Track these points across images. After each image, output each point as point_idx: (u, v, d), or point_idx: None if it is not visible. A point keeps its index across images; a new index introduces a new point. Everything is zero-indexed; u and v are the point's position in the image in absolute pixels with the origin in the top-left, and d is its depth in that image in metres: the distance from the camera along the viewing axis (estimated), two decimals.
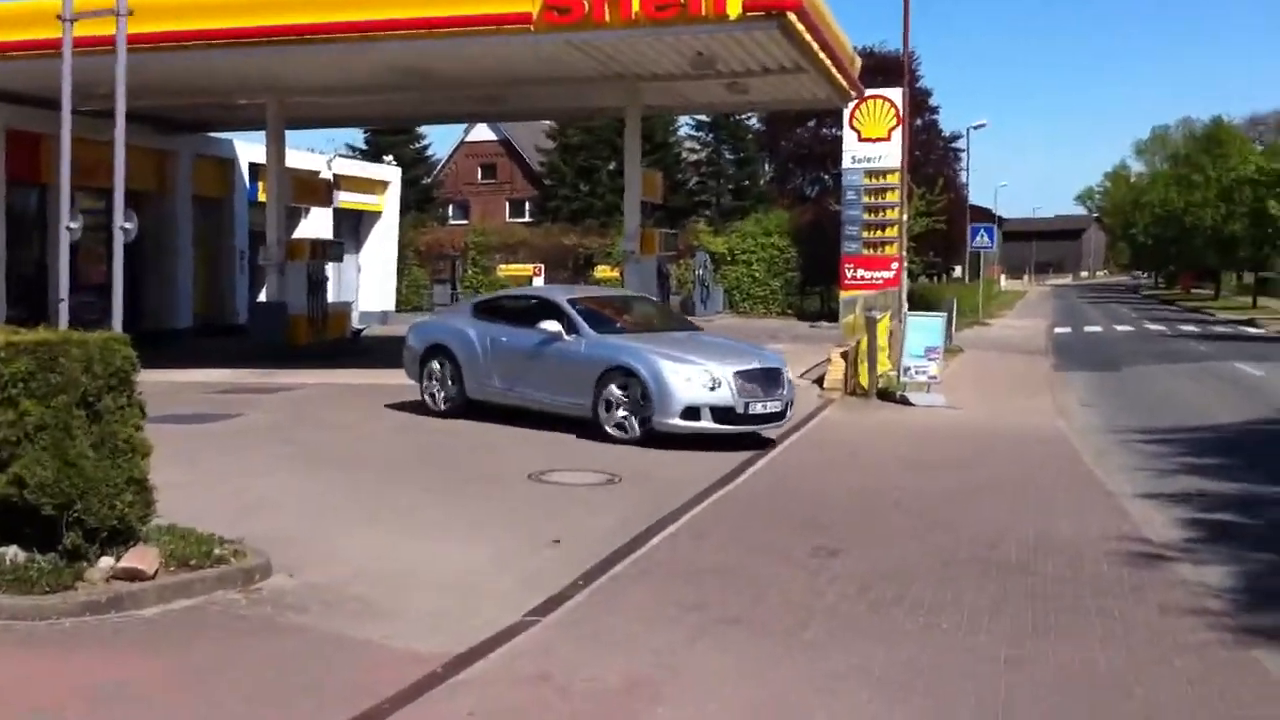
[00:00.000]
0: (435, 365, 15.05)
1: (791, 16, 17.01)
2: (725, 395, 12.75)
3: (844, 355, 18.71)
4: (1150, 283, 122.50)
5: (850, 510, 9.95)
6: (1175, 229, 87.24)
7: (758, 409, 13.00)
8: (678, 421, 12.73)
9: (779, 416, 13.32)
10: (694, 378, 12.78)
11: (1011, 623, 6.69)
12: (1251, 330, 44.46)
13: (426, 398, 15.08)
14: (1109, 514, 9.76)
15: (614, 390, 13.15)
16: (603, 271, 43.94)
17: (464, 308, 16.45)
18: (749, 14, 16.74)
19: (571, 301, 14.52)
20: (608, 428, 13.12)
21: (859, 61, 24.02)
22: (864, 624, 6.72)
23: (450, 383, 14.89)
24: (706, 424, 12.77)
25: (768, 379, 13.33)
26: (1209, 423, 16.37)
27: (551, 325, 13.88)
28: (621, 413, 13.08)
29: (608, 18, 17.09)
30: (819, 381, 18.89)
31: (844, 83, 22.82)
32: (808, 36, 18.16)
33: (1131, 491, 10.96)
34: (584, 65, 20.29)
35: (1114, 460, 13.02)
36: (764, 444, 13.00)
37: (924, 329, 18.49)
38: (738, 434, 12.91)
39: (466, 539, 8.62)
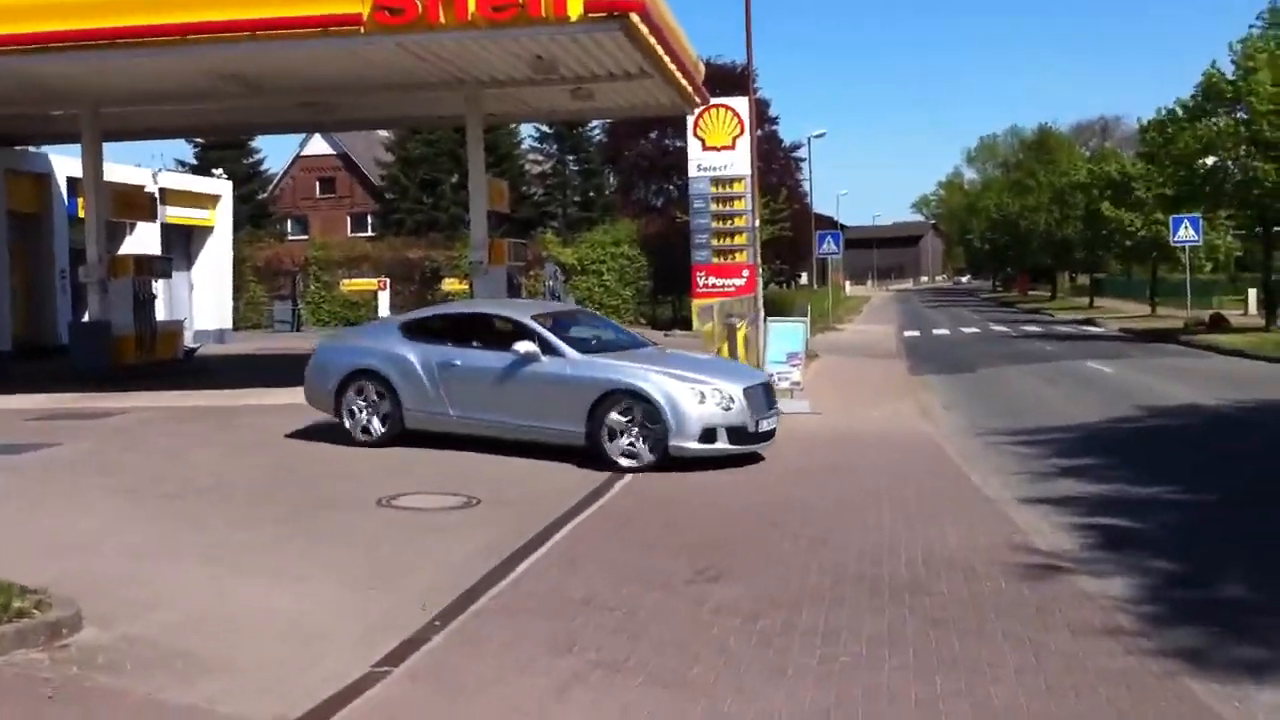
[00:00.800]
0: (361, 393, 13.37)
1: (634, 18, 16.39)
2: (739, 414, 12.12)
3: None
4: (988, 285, 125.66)
5: (727, 527, 9.30)
6: (1011, 233, 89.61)
7: (763, 426, 12.45)
8: (695, 445, 11.93)
9: (774, 433, 12.79)
10: (708, 397, 12.05)
11: (915, 655, 6.06)
12: (1092, 329, 45.46)
13: (352, 428, 13.37)
14: (994, 522, 9.27)
15: (615, 415, 12.09)
16: (450, 284, 42.95)
17: (384, 327, 14.68)
18: (590, 15, 16.07)
19: (538, 319, 13.32)
20: (615, 456, 12.03)
21: (703, 68, 23.58)
22: (756, 661, 6.03)
23: (383, 412, 13.27)
24: (722, 445, 12.06)
25: (766, 395, 12.82)
26: (1072, 422, 16.15)
27: (524, 346, 12.59)
28: (627, 440, 12.06)
29: (442, 18, 16.27)
30: None
31: (689, 89, 22.33)
32: (651, 40, 17.58)
33: (1011, 496, 10.53)
34: (420, 70, 19.39)
35: (986, 464, 12.63)
36: (752, 460, 12.38)
37: (785, 335, 18.05)
38: (746, 453, 12.29)
39: (310, 577, 7.71)
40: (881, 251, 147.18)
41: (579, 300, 44.91)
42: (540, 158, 66.77)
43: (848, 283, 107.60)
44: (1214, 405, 17.82)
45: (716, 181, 39.87)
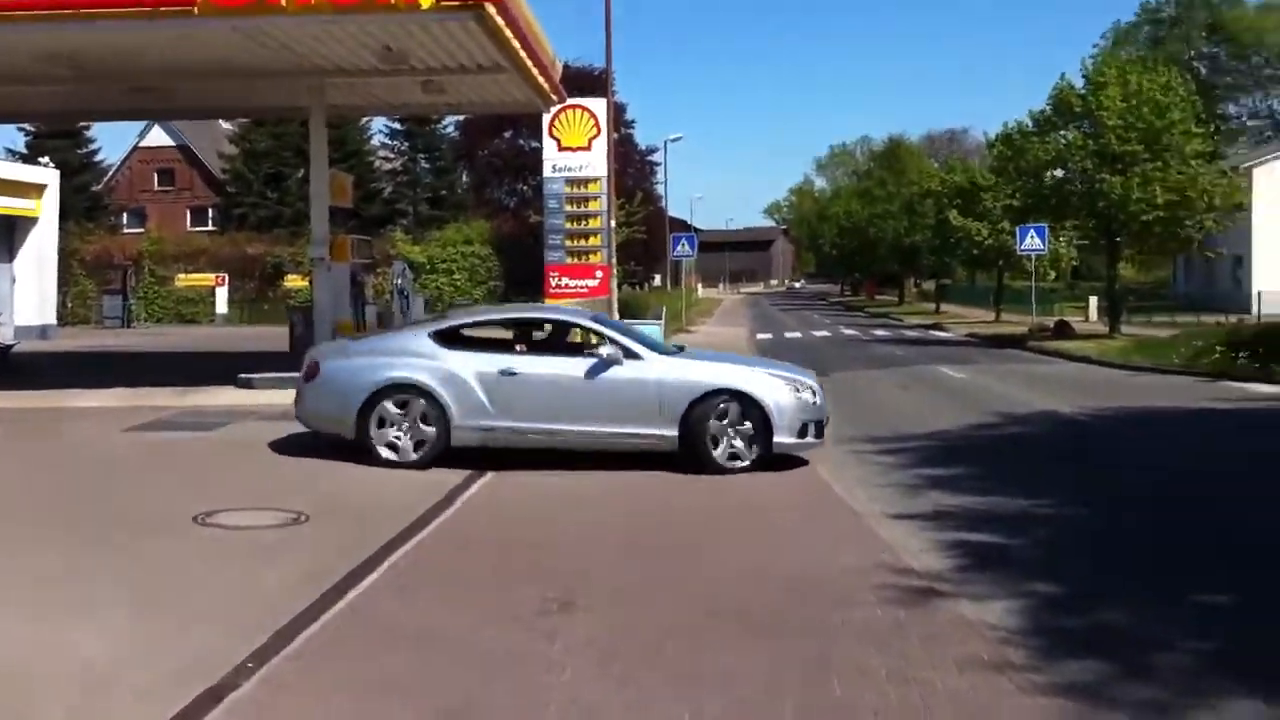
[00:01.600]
0: (398, 408, 11.96)
1: (489, 9, 15.58)
2: (822, 407, 12.55)
3: None
4: (834, 289, 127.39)
5: (579, 547, 8.61)
6: (860, 239, 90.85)
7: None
8: (793, 440, 12.11)
9: None
10: (802, 394, 12.29)
11: (798, 706, 5.39)
12: (940, 334, 46.03)
13: (383, 449, 11.91)
14: (864, 541, 8.75)
15: (715, 418, 11.95)
16: (293, 280, 41.60)
17: (408, 335, 12.94)
18: (443, 4, 15.20)
19: (600, 321, 13.28)
20: (719, 459, 11.89)
21: (560, 65, 22.85)
22: (617, 711, 5.36)
23: (428, 428, 11.95)
24: (811, 439, 12.33)
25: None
26: (932, 430, 15.84)
27: (606, 349, 12.20)
28: (728, 441, 11.94)
29: (283, 1, 15.29)
30: None
31: (546, 86, 21.60)
32: (507, 32, 16.79)
33: (879, 511, 10.03)
34: (260, 57, 18.29)
35: (850, 474, 12.17)
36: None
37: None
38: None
39: (109, 611, 6.73)
40: (734, 255, 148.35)
41: (427, 300, 43.82)
42: (391, 154, 65.32)
43: (700, 285, 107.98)
44: (1070, 413, 17.75)
45: (572, 182, 39.17)
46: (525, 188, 54.40)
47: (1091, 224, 39.43)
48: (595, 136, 34.97)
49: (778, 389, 12.17)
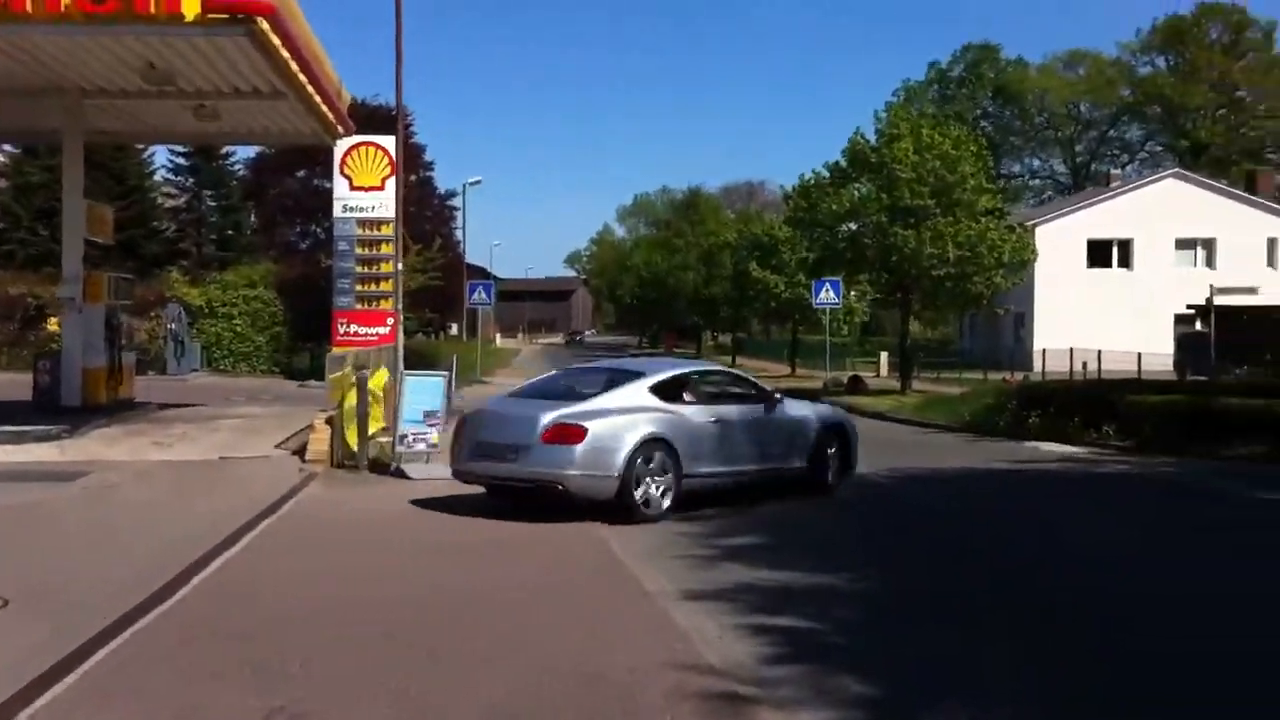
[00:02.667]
0: (653, 460, 12.45)
1: (262, 24, 14.31)
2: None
3: (329, 421, 16.05)
4: (629, 341, 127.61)
5: (324, 639, 7.34)
6: (659, 290, 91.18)
7: None
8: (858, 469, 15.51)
9: None
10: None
11: None
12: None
13: (644, 504, 12.37)
14: (657, 628, 7.69)
15: (829, 449, 14.70)
16: (55, 324, 38.62)
17: (629, 390, 13.17)
18: (210, 16, 13.91)
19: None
20: (830, 479, 14.72)
21: (349, 96, 21.55)
22: None
23: (666, 478, 12.59)
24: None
25: None
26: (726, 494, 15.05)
27: (768, 397, 14.50)
28: (834, 463, 14.78)
29: (29, 7, 13.73)
30: (300, 453, 16.13)
31: (331, 117, 20.28)
32: (284, 52, 15.49)
33: (672, 588, 9.03)
34: (8, 70, 16.60)
35: (640, 543, 11.16)
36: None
37: (422, 390, 16.13)
38: None
39: None
40: (534, 304, 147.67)
41: (204, 345, 41.43)
42: (176, 190, 62.23)
43: (498, 335, 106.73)
44: (868, 473, 17.14)
45: (364, 223, 37.64)
46: (318, 229, 52.41)
47: (884, 278, 39.84)
48: (389, 175, 33.48)
49: (850, 424, 15.55)
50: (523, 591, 8.81)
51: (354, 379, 16.10)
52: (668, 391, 13.36)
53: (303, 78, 16.98)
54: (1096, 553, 11.31)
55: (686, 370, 14.94)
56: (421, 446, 15.96)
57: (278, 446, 17.06)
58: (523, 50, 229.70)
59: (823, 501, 14.49)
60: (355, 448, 15.85)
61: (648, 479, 12.39)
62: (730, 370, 16.54)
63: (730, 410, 13.75)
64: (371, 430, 16.67)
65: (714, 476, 13.22)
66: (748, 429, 13.73)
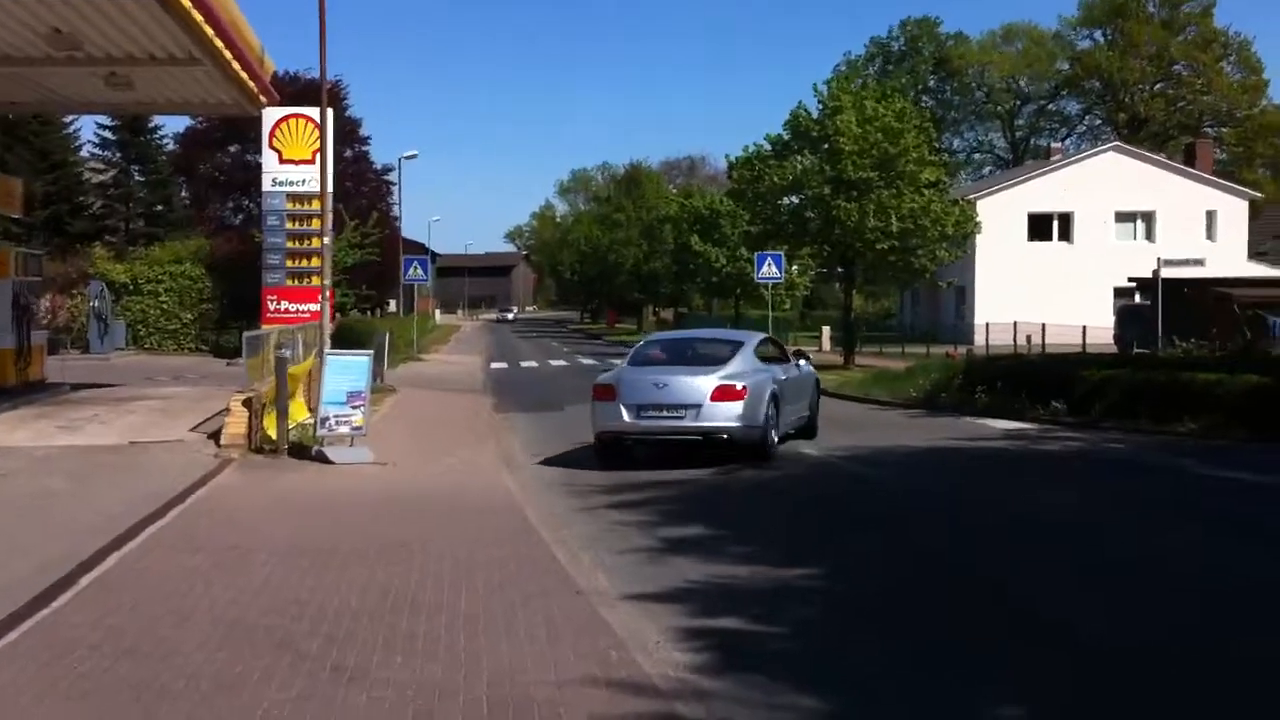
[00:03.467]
0: (773, 410, 15.70)
1: None
2: None
3: (247, 404, 15.16)
4: (570, 317, 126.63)
5: (213, 652, 6.57)
6: (600, 265, 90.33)
7: None
8: None
9: None
10: None
11: None
12: None
13: (770, 445, 15.66)
14: (589, 633, 6.94)
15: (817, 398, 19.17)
16: None
17: (746, 354, 16.38)
18: None
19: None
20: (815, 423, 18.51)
21: (272, 64, 20.50)
22: None
23: (778, 421, 16.04)
24: None
25: None
26: (668, 475, 14.30)
27: (795, 356, 18.69)
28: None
29: None
30: (216, 436, 15.24)
31: (252, 85, 19.30)
32: (196, 14, 14.54)
33: (609, 588, 8.31)
34: None
35: (575, 532, 10.48)
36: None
37: (346, 370, 15.20)
38: None
39: None
40: (474, 280, 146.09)
41: (130, 324, 40.16)
42: (102, 165, 60.42)
43: (438, 311, 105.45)
44: (818, 455, 16.49)
45: (293, 198, 36.45)
46: (251, 205, 51.03)
47: (827, 251, 39.29)
48: (319, 148, 32.33)
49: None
50: (439, 593, 8.03)
51: (274, 361, 15.23)
52: (762, 356, 16.73)
53: (218, 42, 16.02)
54: (1056, 539, 10.67)
55: (760, 338, 17.92)
56: (345, 429, 15.10)
57: (193, 430, 16.19)
58: (463, 26, 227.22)
59: (774, 481, 13.87)
60: (274, 435, 14.99)
61: (771, 426, 15.58)
62: (772, 337, 20.26)
63: (784, 369, 17.06)
64: (300, 418, 15.83)
65: (786, 421, 16.60)
66: (794, 383, 17.19)
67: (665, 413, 15.26)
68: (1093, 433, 18.91)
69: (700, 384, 15.20)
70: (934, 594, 8.54)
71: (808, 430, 17.89)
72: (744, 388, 15.19)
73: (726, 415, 15.07)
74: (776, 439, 15.78)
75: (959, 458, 16.64)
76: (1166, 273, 31.38)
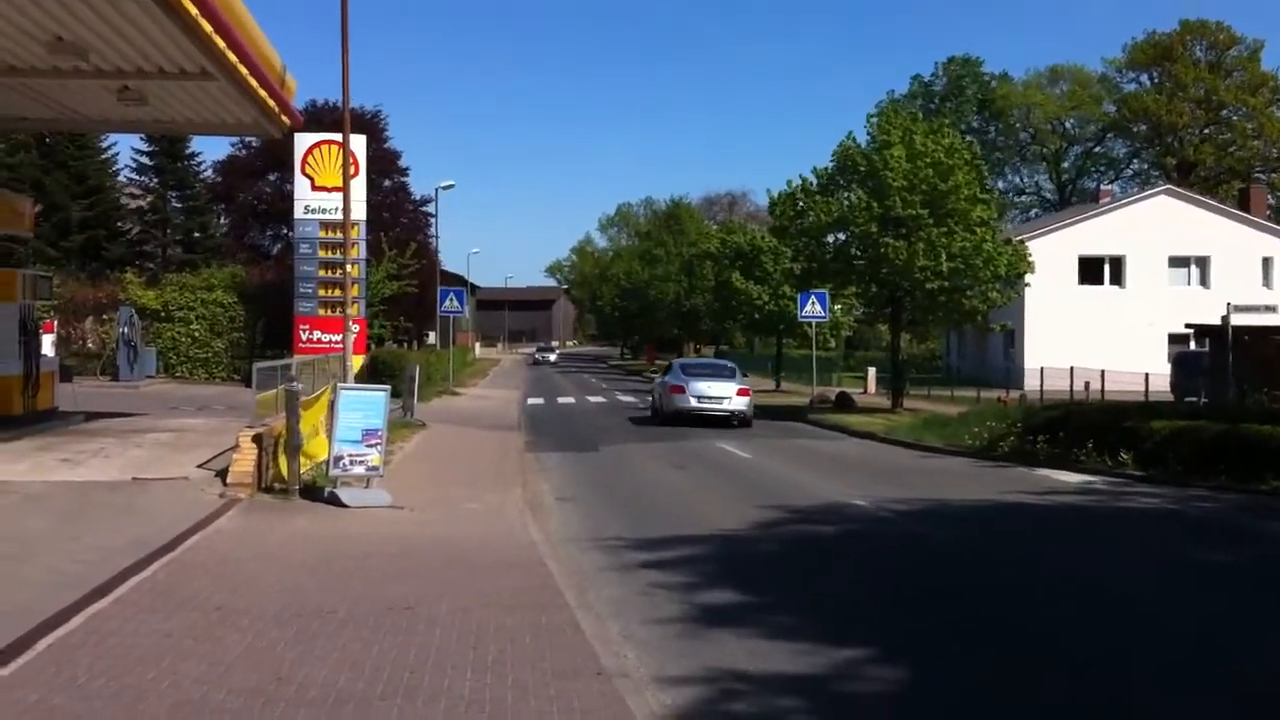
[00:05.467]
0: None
1: None
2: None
3: (257, 440, 14.09)
4: (610, 353, 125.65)
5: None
6: (640, 301, 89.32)
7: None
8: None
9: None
10: None
11: None
12: None
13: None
14: None
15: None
16: None
17: (737, 371, 32.91)
18: None
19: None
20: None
21: (294, 83, 19.46)
22: None
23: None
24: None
25: None
26: (710, 528, 13.04)
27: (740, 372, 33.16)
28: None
29: None
30: (223, 474, 14.17)
31: (273, 105, 18.27)
32: (205, 24, 13.52)
33: (638, 668, 7.15)
34: None
35: (604, 596, 9.31)
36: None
37: (362, 406, 14.09)
38: None
39: None
40: (514, 314, 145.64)
41: (160, 351, 39.39)
42: (139, 190, 60.11)
43: (478, 344, 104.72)
44: (870, 507, 15.13)
45: (327, 226, 35.71)
46: (290, 233, 50.57)
47: (873, 290, 38.03)
48: (354, 175, 31.48)
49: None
50: (440, 672, 6.84)
51: (285, 395, 14.17)
52: (740, 373, 32.13)
53: (231, 56, 15.03)
54: (1170, 632, 9.01)
55: (735, 365, 34.00)
56: (360, 469, 14.00)
57: (201, 466, 15.12)
58: (507, 61, 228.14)
59: (824, 540, 12.66)
60: (286, 472, 13.93)
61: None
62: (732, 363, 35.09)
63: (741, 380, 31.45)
64: (321, 456, 14.75)
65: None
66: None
67: (708, 402, 29.75)
68: (1169, 488, 17.45)
69: (729, 387, 30.31)
70: (1026, 696, 7.25)
71: (746, 422, 30.11)
72: (748, 389, 30.92)
73: (742, 405, 30.11)
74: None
75: (1029, 516, 15.12)
76: (1240, 319, 29.90)
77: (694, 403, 29.23)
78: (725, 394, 29.59)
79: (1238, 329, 30.50)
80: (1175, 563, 12.07)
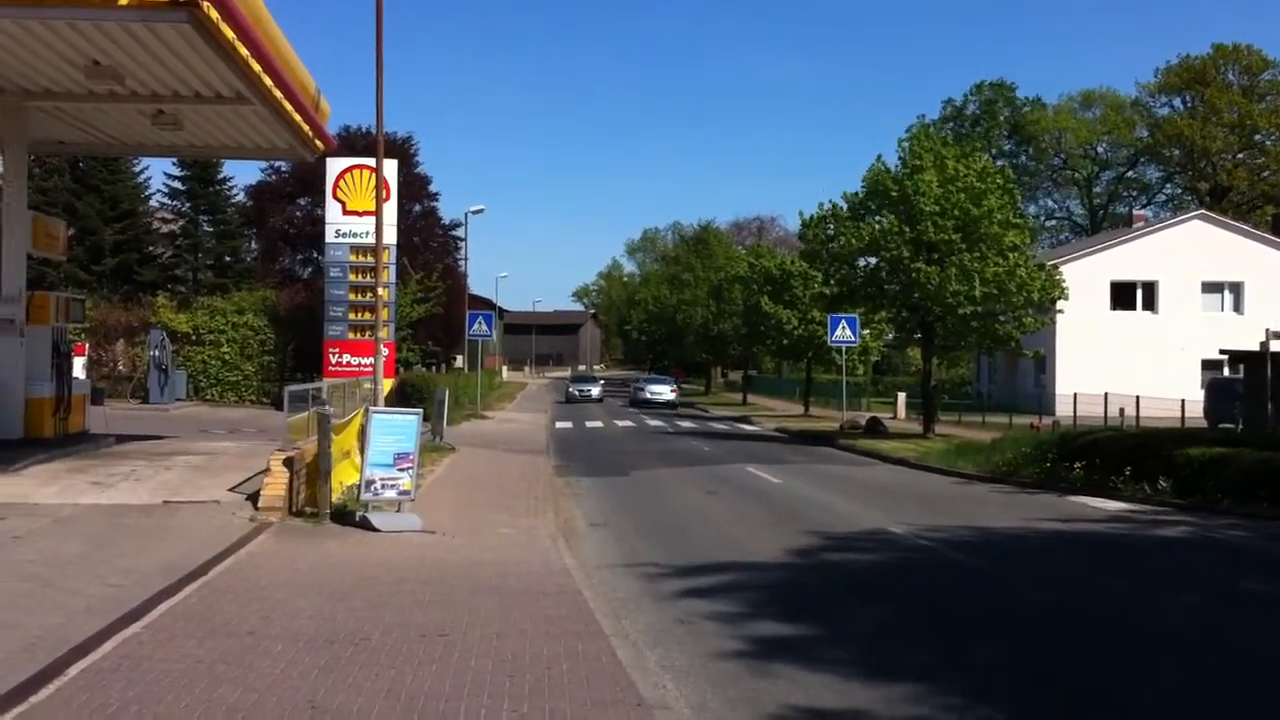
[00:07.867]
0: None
1: (208, 10, 12.44)
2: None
3: (287, 463, 14.03)
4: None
5: None
6: (668, 326, 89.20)
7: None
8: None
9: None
10: None
11: None
12: (747, 428, 43.74)
13: None
14: None
15: None
16: None
17: (670, 379, 67.80)
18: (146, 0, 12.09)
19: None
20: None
21: (328, 107, 19.53)
22: None
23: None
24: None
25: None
26: (746, 556, 12.89)
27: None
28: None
29: None
30: (254, 498, 14.12)
31: (307, 129, 18.35)
32: (238, 45, 13.58)
33: (679, 699, 6.98)
34: None
35: (641, 624, 9.17)
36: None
37: (393, 430, 14.01)
38: None
39: None
40: (541, 338, 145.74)
41: (191, 374, 39.54)
42: (171, 214, 60.47)
43: (505, 368, 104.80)
44: (908, 536, 14.95)
45: (357, 249, 35.85)
46: (321, 257, 50.77)
47: (904, 315, 37.79)
48: (386, 200, 31.62)
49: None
50: (476, 700, 6.73)
51: (317, 419, 14.12)
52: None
53: (267, 80, 15.11)
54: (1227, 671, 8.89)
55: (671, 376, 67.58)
56: (391, 494, 13.91)
57: (232, 490, 15.09)
58: (537, 86, 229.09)
59: (860, 570, 12.46)
60: (317, 497, 13.86)
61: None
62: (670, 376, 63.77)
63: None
64: (350, 480, 14.68)
65: None
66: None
67: (656, 395, 60.83)
68: (1208, 517, 17.15)
69: (666, 388, 62.54)
70: None
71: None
72: (677, 389, 64.16)
73: (672, 396, 61.05)
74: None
75: (1068, 545, 14.84)
76: (1275, 346, 29.55)
77: (648, 395, 60.73)
78: (664, 391, 61.60)
79: (1276, 354, 30.13)
80: (1217, 592, 11.80)
